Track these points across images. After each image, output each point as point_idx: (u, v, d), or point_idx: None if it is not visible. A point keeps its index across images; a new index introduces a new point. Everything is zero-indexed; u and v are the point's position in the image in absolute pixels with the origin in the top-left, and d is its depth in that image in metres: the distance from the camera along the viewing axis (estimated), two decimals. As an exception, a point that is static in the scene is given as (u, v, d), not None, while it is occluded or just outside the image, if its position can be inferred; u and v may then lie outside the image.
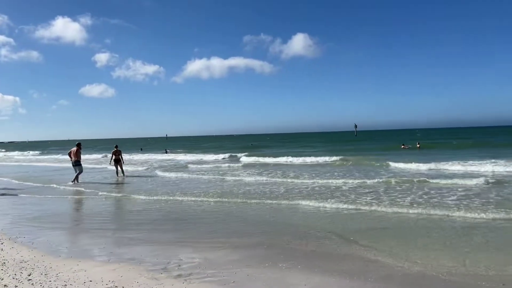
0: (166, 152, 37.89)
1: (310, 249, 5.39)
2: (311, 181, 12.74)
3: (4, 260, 5.08)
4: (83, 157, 16.26)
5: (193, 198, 10.20)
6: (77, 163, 15.14)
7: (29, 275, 4.43)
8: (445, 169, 14.65)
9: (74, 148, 15.37)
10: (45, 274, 4.47)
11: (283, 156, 24.19)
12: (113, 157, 17.22)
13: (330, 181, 12.48)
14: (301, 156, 23.56)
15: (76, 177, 14.87)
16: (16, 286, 4.09)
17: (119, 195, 11.53)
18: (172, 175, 16.64)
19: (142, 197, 10.79)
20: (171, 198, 10.44)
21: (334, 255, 5.10)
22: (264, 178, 13.96)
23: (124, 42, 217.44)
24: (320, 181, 12.52)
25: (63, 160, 30.34)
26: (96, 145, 77.14)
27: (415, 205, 8.06)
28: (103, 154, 36.00)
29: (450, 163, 15.66)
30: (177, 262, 4.87)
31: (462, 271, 4.36)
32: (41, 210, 9.38)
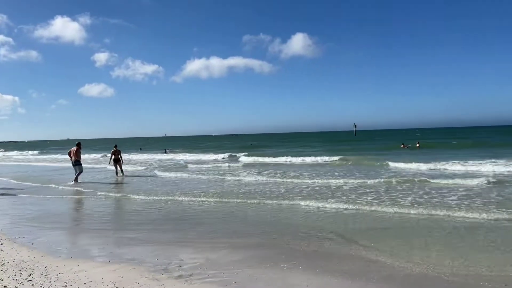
0: (166, 152, 37.83)
1: (311, 249, 5.37)
2: (311, 181, 12.72)
3: (4, 260, 5.05)
4: (82, 156, 16.22)
5: (193, 198, 10.17)
6: (77, 163, 15.11)
7: (29, 276, 4.40)
8: (445, 169, 14.64)
9: (74, 148, 15.34)
10: (45, 275, 4.44)
11: (283, 156, 24.17)
12: (113, 156, 17.20)
13: (330, 181, 12.46)
14: (300, 155, 23.54)
15: (76, 177, 14.84)
16: (16, 287, 4.06)
17: (118, 195, 11.50)
18: (172, 175, 16.60)
19: (142, 197, 10.76)
20: (171, 198, 10.41)
21: (335, 255, 5.08)
22: (264, 178, 13.93)
23: (123, 42, 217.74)
24: (320, 181, 12.50)
25: (62, 160, 30.30)
26: (95, 144, 77.04)
27: (416, 205, 8.04)
28: (102, 154, 35.96)
29: (450, 162, 15.66)
30: (178, 263, 4.85)
31: (464, 271, 4.35)
32: (40, 210, 9.35)
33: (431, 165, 15.34)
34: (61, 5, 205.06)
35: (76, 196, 11.60)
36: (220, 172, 16.80)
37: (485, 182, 10.66)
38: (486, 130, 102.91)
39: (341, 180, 12.35)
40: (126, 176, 16.80)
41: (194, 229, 6.87)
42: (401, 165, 16.16)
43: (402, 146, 31.48)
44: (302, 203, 8.84)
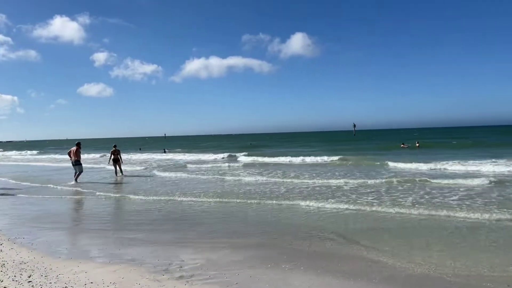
0: (165, 152, 37.77)
1: (313, 249, 5.35)
2: (312, 181, 12.70)
3: (4, 261, 5.02)
4: (82, 156, 16.18)
5: (193, 198, 10.15)
6: (77, 163, 15.07)
7: (29, 277, 4.37)
8: (446, 169, 14.64)
9: (74, 148, 15.30)
10: (45, 276, 4.41)
11: (283, 155, 24.14)
12: (112, 156, 17.17)
13: (330, 181, 12.45)
14: (300, 155, 23.51)
15: (76, 177, 14.81)
16: (15, 288, 4.03)
17: (118, 195, 11.47)
18: (171, 175, 16.57)
19: (142, 197, 10.73)
20: (171, 198, 10.38)
21: (337, 255, 5.06)
22: (264, 178, 13.91)
23: (122, 42, 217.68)
24: (320, 181, 12.48)
25: (61, 160, 30.25)
26: (95, 144, 76.92)
27: (417, 205, 8.02)
28: (102, 154, 35.90)
29: (450, 162, 15.66)
30: (179, 263, 4.82)
31: (466, 272, 4.33)
32: (40, 210, 9.32)
33: (431, 165, 15.33)
34: (60, 5, 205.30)
35: (75, 196, 11.56)
36: (220, 172, 16.77)
37: (486, 182, 10.65)
38: (485, 130, 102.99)
39: (342, 180, 12.34)
40: (125, 176, 16.77)
41: (194, 229, 6.84)
42: (401, 165, 16.15)
43: (402, 145, 31.48)
44: (302, 203, 8.82)
